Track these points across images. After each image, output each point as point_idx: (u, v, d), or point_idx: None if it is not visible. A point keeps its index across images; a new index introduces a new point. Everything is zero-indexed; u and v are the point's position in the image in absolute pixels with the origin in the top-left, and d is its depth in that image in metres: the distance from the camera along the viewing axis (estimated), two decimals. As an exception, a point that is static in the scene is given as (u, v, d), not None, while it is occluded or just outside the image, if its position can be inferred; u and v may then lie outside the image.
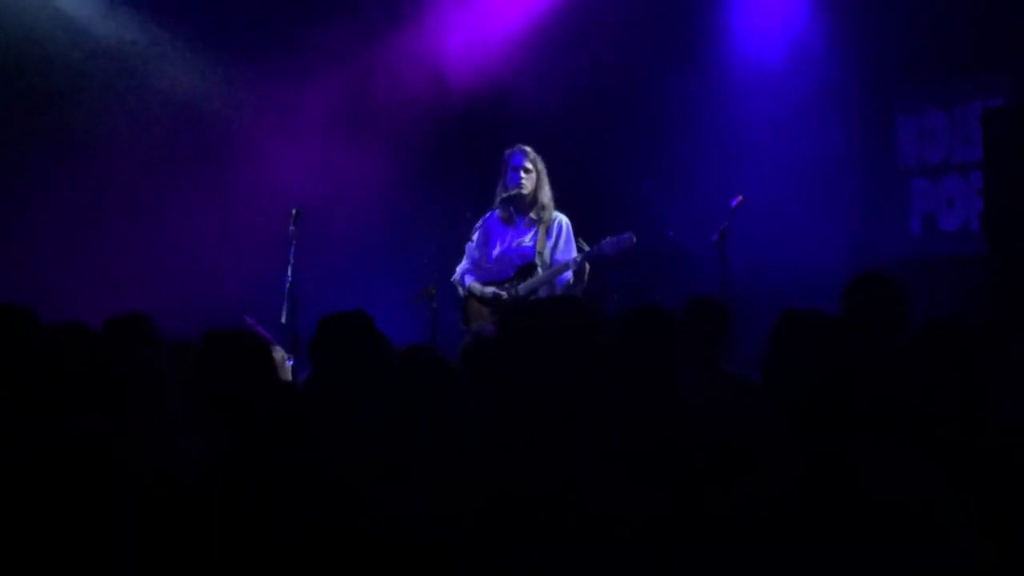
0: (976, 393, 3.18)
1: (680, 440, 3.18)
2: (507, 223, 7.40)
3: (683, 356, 3.69)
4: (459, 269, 7.53)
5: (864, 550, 2.44)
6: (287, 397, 3.34)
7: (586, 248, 7.21)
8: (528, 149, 7.36)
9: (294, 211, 7.42)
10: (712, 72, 9.51)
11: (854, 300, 4.39)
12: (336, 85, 9.65)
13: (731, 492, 2.58)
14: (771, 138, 9.18)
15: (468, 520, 2.54)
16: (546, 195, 7.35)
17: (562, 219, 7.35)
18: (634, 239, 7.15)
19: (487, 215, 7.49)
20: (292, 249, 7.33)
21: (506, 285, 7.31)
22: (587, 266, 7.20)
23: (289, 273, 7.28)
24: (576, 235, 7.33)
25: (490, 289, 7.34)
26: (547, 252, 7.29)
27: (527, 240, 7.32)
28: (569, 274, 7.19)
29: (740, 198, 7.59)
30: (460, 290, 7.52)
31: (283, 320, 7.21)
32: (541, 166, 7.37)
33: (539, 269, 7.25)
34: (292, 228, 7.39)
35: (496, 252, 7.39)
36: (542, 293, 7.20)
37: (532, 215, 7.34)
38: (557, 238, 7.31)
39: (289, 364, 6.13)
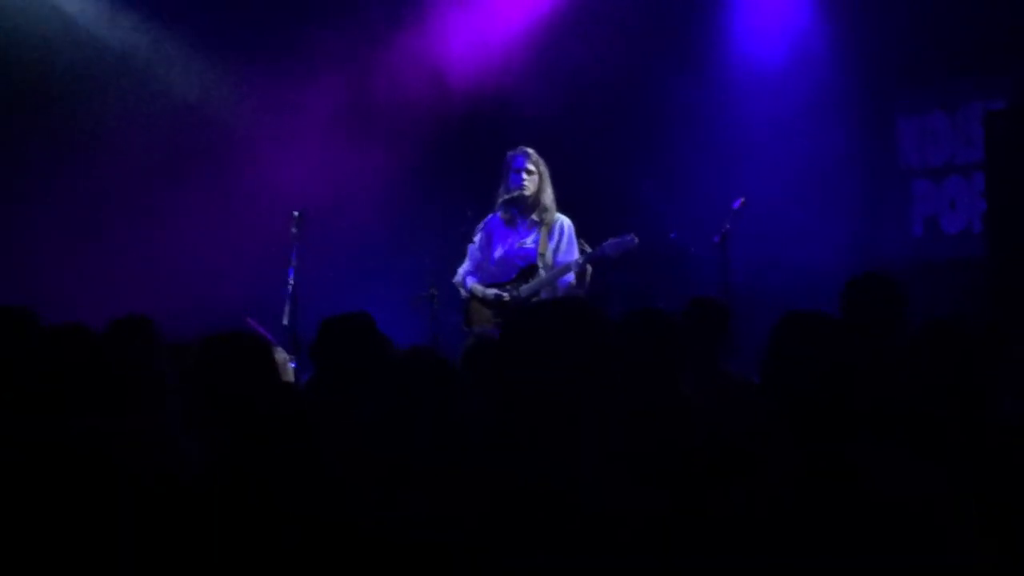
0: (976, 393, 3.19)
1: (681, 441, 3.19)
2: (509, 225, 7.40)
3: (684, 357, 3.70)
4: (461, 271, 7.54)
5: (864, 550, 2.44)
6: (288, 398, 3.34)
7: (588, 250, 7.21)
8: (530, 151, 7.35)
9: (296, 213, 7.43)
10: (713, 73, 9.51)
11: (853, 300, 4.40)
12: (337, 86, 9.66)
13: (732, 492, 2.59)
14: (772, 139, 9.18)
15: (470, 521, 2.55)
16: (548, 197, 7.35)
17: (564, 221, 7.35)
18: (636, 240, 7.15)
19: (489, 217, 7.48)
20: (294, 251, 7.35)
21: (508, 287, 7.31)
22: (589, 268, 7.20)
23: (291, 275, 7.30)
24: (578, 237, 7.33)
25: (492, 291, 7.34)
26: (549, 254, 7.29)
27: (529, 242, 7.32)
28: (571, 276, 7.19)
29: (743, 199, 7.60)
30: (462, 292, 7.52)
31: (285, 322, 7.23)
32: (543, 168, 7.37)
33: (541, 271, 7.25)
34: (294, 230, 7.41)
35: (498, 254, 7.39)
36: (544, 295, 7.20)
37: (534, 217, 7.34)
38: (559, 240, 7.31)
39: (291, 366, 6.14)
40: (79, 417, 3.26)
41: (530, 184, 7.31)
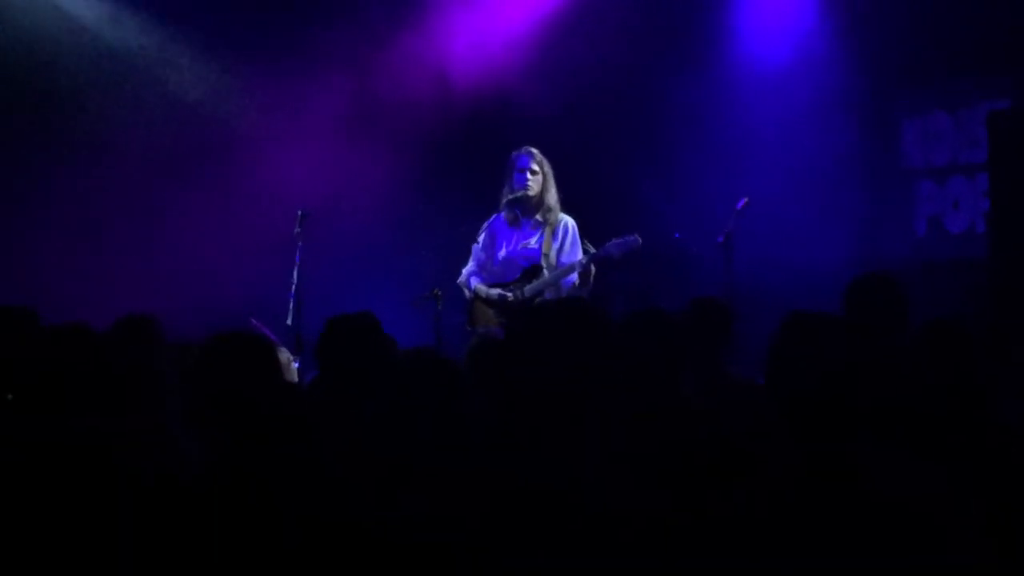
0: (977, 393, 3.19)
1: (683, 441, 3.19)
2: (513, 225, 7.41)
3: (687, 358, 3.70)
4: (465, 271, 7.54)
5: (865, 550, 2.44)
6: (291, 397, 3.35)
7: (592, 250, 7.22)
8: (535, 151, 7.36)
9: (299, 213, 7.44)
10: (717, 74, 9.50)
11: (856, 301, 4.40)
12: (340, 87, 9.66)
13: (733, 493, 2.59)
14: (775, 140, 9.17)
15: (472, 521, 2.55)
16: (552, 197, 7.35)
17: (568, 221, 7.36)
18: (639, 241, 7.16)
19: (493, 217, 7.48)
20: (298, 251, 7.36)
21: (512, 287, 7.31)
22: (593, 268, 7.20)
23: (295, 275, 7.31)
24: (581, 237, 7.33)
25: (496, 291, 7.35)
26: (553, 254, 7.29)
27: (533, 242, 7.33)
28: (575, 276, 7.19)
29: (746, 200, 7.60)
30: (466, 292, 7.52)
31: (288, 322, 7.24)
32: (547, 168, 7.37)
33: (545, 271, 7.26)
34: (297, 230, 7.42)
35: (502, 254, 7.39)
36: (548, 295, 7.21)
37: (538, 217, 7.34)
38: (563, 240, 7.32)
39: (295, 366, 6.15)
40: (79, 417, 3.27)
41: (534, 184, 7.31)
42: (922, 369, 3.24)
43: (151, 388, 3.67)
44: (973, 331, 3.29)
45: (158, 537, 2.84)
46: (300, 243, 7.37)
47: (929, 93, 9.21)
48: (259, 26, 9.50)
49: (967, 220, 8.96)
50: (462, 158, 9.75)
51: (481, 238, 7.45)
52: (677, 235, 8.52)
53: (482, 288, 7.40)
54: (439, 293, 7.48)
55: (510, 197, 7.34)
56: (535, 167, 7.31)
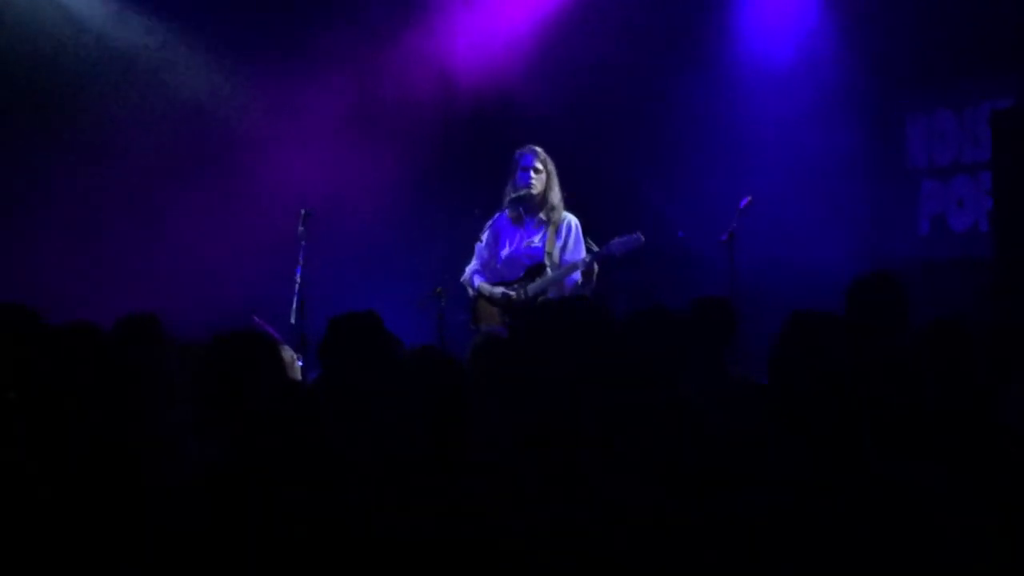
0: (977, 393, 3.19)
1: (685, 442, 3.19)
2: (516, 223, 7.41)
3: (689, 357, 3.71)
4: (468, 269, 7.55)
5: (867, 551, 2.45)
6: (295, 396, 3.35)
7: (595, 249, 7.23)
8: (538, 149, 7.36)
9: (303, 212, 7.46)
10: (720, 72, 9.51)
11: (859, 300, 4.40)
12: (344, 87, 9.67)
13: (735, 493, 2.60)
14: (779, 139, 9.18)
15: (475, 519, 2.56)
16: (556, 195, 7.36)
17: (571, 219, 7.36)
18: (642, 239, 7.17)
19: (496, 215, 7.49)
20: (301, 250, 7.37)
21: (515, 285, 7.32)
22: (596, 267, 7.21)
23: (298, 274, 7.32)
24: (585, 235, 7.34)
25: (499, 289, 7.36)
26: (556, 252, 7.29)
27: (536, 240, 7.33)
28: (578, 274, 7.20)
29: (749, 198, 7.61)
30: (469, 290, 7.53)
31: (292, 321, 7.25)
32: (551, 167, 7.38)
33: (548, 269, 7.27)
34: (301, 229, 7.43)
35: (505, 253, 7.40)
36: (551, 293, 7.22)
37: (542, 215, 7.35)
38: (566, 238, 7.32)
39: (298, 364, 6.16)
40: (84, 416, 3.27)
41: (538, 183, 7.32)
42: (923, 369, 3.24)
43: (156, 386, 3.67)
44: (976, 330, 3.29)
45: (162, 535, 2.85)
46: (303, 242, 7.38)
47: (933, 92, 9.21)
48: (261, 26, 9.51)
49: (971, 219, 8.96)
50: (465, 156, 9.76)
51: (484, 236, 7.46)
52: (681, 234, 8.52)
53: (486, 286, 7.41)
54: (442, 291, 7.49)
55: (514, 195, 7.34)
56: (539, 165, 7.32)
